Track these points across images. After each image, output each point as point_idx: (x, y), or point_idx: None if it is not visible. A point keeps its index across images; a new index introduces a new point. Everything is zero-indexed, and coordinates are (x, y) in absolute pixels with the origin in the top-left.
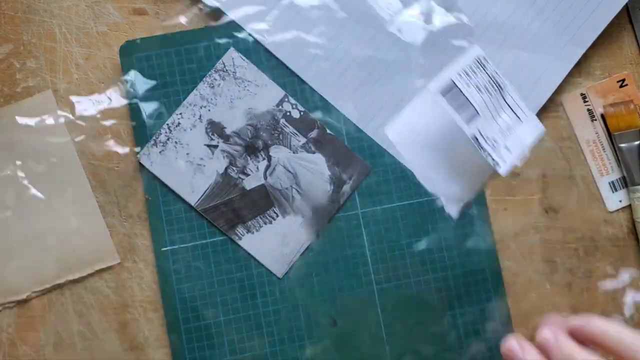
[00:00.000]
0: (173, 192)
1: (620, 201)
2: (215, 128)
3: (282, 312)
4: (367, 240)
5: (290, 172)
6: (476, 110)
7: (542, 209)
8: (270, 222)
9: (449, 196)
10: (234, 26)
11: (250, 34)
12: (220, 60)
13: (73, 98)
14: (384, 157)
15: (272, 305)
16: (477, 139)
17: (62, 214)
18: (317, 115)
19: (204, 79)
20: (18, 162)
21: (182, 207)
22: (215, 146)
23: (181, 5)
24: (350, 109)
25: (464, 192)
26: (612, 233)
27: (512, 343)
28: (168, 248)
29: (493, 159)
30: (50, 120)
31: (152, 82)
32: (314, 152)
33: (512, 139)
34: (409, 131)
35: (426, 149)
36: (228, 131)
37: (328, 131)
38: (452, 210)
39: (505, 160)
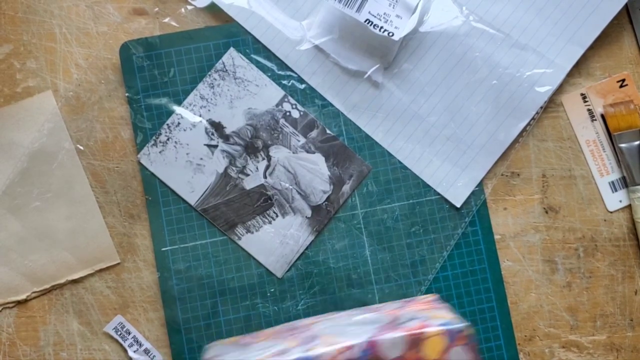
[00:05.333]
0: (173, 192)
1: (620, 201)
2: (215, 128)
3: (282, 312)
4: (367, 240)
5: (290, 172)
6: None
7: (542, 209)
8: (270, 222)
9: (372, 67)
10: (234, 26)
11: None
12: (220, 60)
13: (73, 98)
14: (384, 157)
15: (272, 305)
16: (369, 21)
17: (62, 214)
18: (317, 115)
19: (204, 79)
20: (18, 163)
21: (182, 207)
22: (215, 146)
23: (181, 5)
24: (350, 108)
25: (382, 61)
26: (612, 233)
27: None
28: (168, 248)
29: (386, 31)
30: (50, 121)
31: (154, 81)
32: (313, 152)
33: (400, 5)
34: (324, 32)
35: (341, 39)
36: (228, 131)
37: (328, 131)
38: (378, 77)
39: (399, 27)
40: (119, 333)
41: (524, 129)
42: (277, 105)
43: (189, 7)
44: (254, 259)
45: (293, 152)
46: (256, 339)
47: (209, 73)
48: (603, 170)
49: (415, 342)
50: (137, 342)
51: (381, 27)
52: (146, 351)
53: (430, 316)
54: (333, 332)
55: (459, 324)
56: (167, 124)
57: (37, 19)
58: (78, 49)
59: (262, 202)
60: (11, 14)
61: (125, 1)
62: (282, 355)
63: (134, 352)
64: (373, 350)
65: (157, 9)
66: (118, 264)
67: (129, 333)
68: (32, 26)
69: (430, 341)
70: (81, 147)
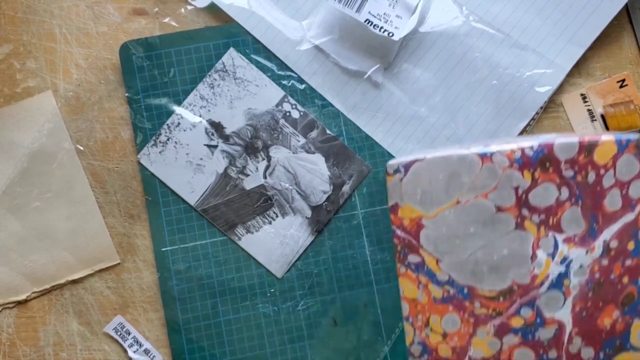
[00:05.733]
0: (173, 192)
1: None
2: (215, 128)
3: (282, 312)
4: (367, 240)
5: (289, 172)
6: None
7: None
8: (270, 223)
9: (372, 67)
10: (234, 26)
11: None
12: (220, 61)
13: (73, 98)
14: (384, 157)
15: (272, 305)
16: (369, 21)
17: (62, 214)
18: (317, 115)
19: (204, 79)
20: (18, 163)
21: (181, 207)
22: (215, 146)
23: (181, 5)
24: (350, 108)
25: (382, 61)
26: None
27: None
28: (168, 248)
29: (386, 31)
30: (50, 121)
31: (154, 82)
32: (313, 153)
33: (400, 5)
34: (324, 32)
35: (341, 39)
36: (228, 131)
37: (328, 131)
38: (378, 77)
39: (399, 27)
40: (118, 333)
41: (524, 129)
42: (277, 106)
43: (189, 7)
44: (254, 259)
45: (293, 152)
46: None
47: (209, 73)
48: None
49: (588, 147)
50: (137, 342)
51: (381, 27)
52: (146, 351)
53: (599, 134)
54: (506, 141)
55: (630, 136)
56: (167, 124)
57: (37, 19)
58: (78, 49)
59: (262, 203)
60: (11, 14)
61: (125, 1)
62: (464, 149)
63: (134, 352)
64: (547, 150)
65: (157, 9)
66: (118, 264)
67: (129, 333)
68: (32, 26)
69: (602, 147)
70: (81, 147)
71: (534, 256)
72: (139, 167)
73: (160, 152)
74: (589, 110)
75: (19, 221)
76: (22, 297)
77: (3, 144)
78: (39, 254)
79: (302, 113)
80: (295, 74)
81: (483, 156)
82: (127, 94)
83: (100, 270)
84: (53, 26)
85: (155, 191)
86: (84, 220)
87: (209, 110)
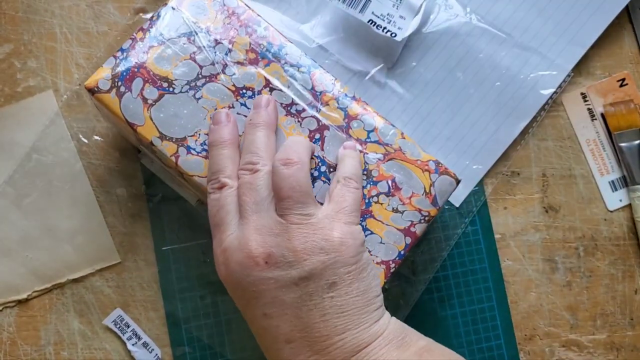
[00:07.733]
0: (173, 191)
1: (621, 200)
2: None
3: None
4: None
5: None
6: None
7: (542, 208)
8: None
9: (375, 67)
10: None
11: None
12: None
13: (74, 98)
14: None
15: None
16: (372, 21)
17: (63, 214)
18: None
19: None
20: (19, 162)
21: (182, 207)
22: None
23: None
24: None
25: (385, 61)
26: (612, 232)
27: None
28: (168, 247)
29: (389, 31)
30: (50, 120)
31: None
32: None
33: (404, 6)
34: (328, 32)
35: (345, 39)
36: None
37: None
38: (381, 76)
39: (402, 27)
40: (118, 326)
41: (526, 130)
42: None
43: None
44: None
45: None
46: None
47: None
48: (603, 170)
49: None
50: (136, 335)
51: (384, 28)
52: (145, 345)
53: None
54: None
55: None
56: None
57: (37, 19)
58: (78, 49)
59: None
60: (12, 13)
61: (126, 1)
62: None
63: (133, 345)
64: None
65: (157, 8)
66: (119, 263)
67: (128, 326)
68: (32, 26)
69: None
70: (82, 147)
71: None
72: (139, 166)
73: None
74: (589, 109)
75: (19, 221)
76: (23, 296)
77: (4, 143)
78: (39, 253)
79: None
80: None
81: None
82: None
83: (101, 269)
84: (54, 26)
85: (155, 190)
86: (84, 220)
87: None
